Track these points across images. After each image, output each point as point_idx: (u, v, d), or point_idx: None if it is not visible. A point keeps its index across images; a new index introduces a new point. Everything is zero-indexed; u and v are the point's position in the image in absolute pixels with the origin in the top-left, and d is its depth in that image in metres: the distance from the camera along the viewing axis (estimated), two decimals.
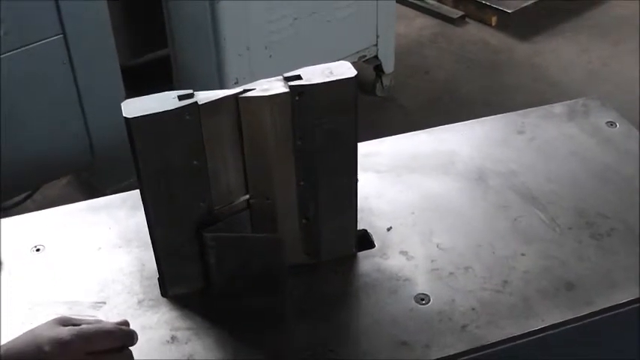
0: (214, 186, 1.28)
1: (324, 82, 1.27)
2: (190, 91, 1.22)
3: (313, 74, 1.28)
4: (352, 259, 1.44)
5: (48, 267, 1.41)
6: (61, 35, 2.74)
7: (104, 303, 1.34)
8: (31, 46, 2.68)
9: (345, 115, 1.31)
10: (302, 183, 1.35)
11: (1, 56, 2.59)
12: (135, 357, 1.22)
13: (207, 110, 1.22)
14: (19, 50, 2.64)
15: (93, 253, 1.44)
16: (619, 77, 4.15)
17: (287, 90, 1.26)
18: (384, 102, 4.01)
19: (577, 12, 5.00)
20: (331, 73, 1.28)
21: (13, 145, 2.70)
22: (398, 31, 4.24)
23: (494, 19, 4.87)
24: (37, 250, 1.45)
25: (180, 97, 1.21)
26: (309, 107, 1.27)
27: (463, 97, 3.93)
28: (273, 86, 1.27)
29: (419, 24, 4.92)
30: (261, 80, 1.29)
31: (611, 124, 1.77)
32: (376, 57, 4.00)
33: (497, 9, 4.83)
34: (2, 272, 1.40)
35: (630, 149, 1.70)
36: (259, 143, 1.30)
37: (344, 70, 1.29)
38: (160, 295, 1.36)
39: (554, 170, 1.64)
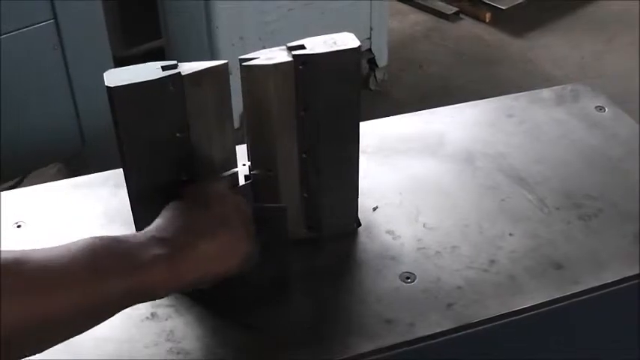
0: (199, 160, 1.26)
1: (327, 52, 1.26)
2: (174, 62, 1.21)
3: (317, 44, 1.27)
4: (342, 238, 1.42)
5: (29, 243, 1.39)
6: (53, 20, 2.73)
7: None
8: (21, 30, 2.67)
9: (349, 86, 1.30)
10: (304, 155, 1.33)
11: None
12: (114, 334, 1.22)
13: (192, 81, 1.20)
14: (9, 35, 2.63)
15: (75, 230, 1.42)
16: (611, 72, 4.16)
17: (290, 59, 1.25)
18: (377, 95, 4.00)
19: (570, 9, 5.01)
20: (335, 43, 1.27)
21: (1, 130, 2.68)
22: (392, 26, 4.24)
23: (488, 16, 4.89)
24: (19, 226, 1.43)
25: (164, 68, 1.19)
26: (313, 77, 1.26)
27: (456, 91, 3.93)
28: (276, 55, 1.26)
29: (413, 20, 4.92)
30: (264, 50, 1.27)
31: (600, 108, 1.76)
32: (370, 50, 4.00)
33: (491, 5, 4.85)
34: None
35: (619, 133, 1.68)
36: (261, 113, 1.29)
37: (347, 40, 1.28)
38: None
39: (543, 152, 1.63)
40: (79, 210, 1.47)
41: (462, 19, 4.98)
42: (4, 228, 1.42)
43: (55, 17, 2.73)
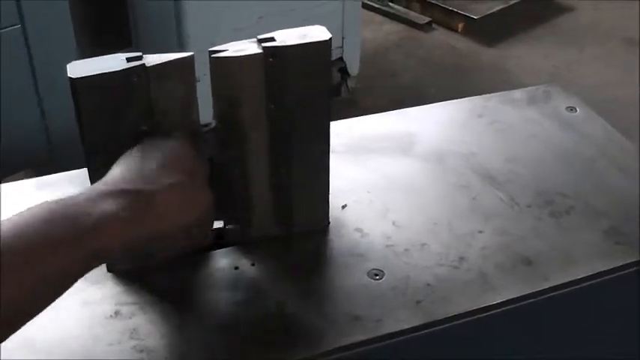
0: None
1: (298, 44, 1.24)
2: (139, 54, 1.19)
3: (287, 36, 1.26)
4: (311, 235, 1.41)
5: None
6: (19, 26, 2.69)
7: None
8: None
9: (319, 79, 1.29)
10: (274, 151, 1.32)
11: None
12: (77, 332, 1.20)
13: (157, 73, 1.18)
14: None
15: None
16: (583, 81, 4.17)
17: (260, 51, 1.23)
18: (349, 104, 4.00)
19: (543, 19, 5.04)
20: (305, 35, 1.26)
21: None
22: (365, 35, 4.24)
23: (460, 26, 4.90)
24: None
25: (129, 59, 1.17)
26: (283, 69, 1.25)
27: (429, 100, 3.91)
28: (246, 47, 1.24)
29: (386, 29, 4.92)
30: (234, 42, 1.25)
31: (572, 109, 1.76)
32: (341, 59, 3.99)
33: (464, 15, 4.85)
34: None
35: (590, 132, 1.68)
36: (231, 106, 1.27)
37: (318, 33, 1.27)
38: (105, 270, 1.31)
39: (514, 151, 1.62)
40: None
41: (434, 29, 4.99)
42: None
43: (22, 23, 2.70)
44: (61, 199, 1.00)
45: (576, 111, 1.75)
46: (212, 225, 1.21)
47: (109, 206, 1.00)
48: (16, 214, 0.96)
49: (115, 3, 3.49)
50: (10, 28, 2.66)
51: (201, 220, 1.15)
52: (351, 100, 4.04)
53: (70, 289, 1.25)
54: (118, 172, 1.08)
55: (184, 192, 1.10)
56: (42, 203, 0.98)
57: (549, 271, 1.33)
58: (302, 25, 1.29)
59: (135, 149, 1.14)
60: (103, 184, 1.05)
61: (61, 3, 2.77)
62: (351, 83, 4.12)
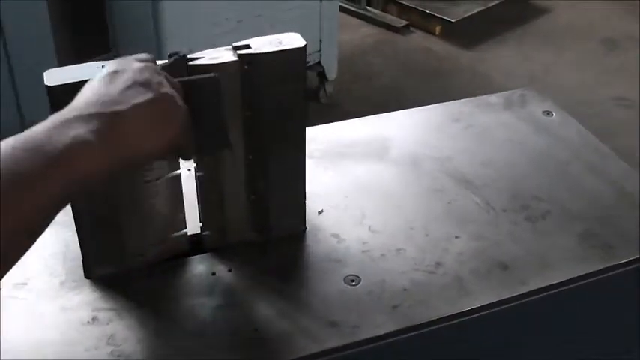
0: None
1: (273, 52, 1.25)
2: None
3: (262, 44, 1.26)
4: (288, 241, 1.41)
5: None
6: None
7: (25, 284, 1.30)
8: None
9: (294, 86, 1.29)
10: (250, 157, 1.32)
11: None
12: (54, 337, 1.19)
13: None
14: None
15: None
16: (561, 83, 4.20)
17: (236, 59, 1.23)
18: (327, 108, 4.00)
19: (520, 21, 5.07)
20: (280, 43, 1.26)
21: None
22: (342, 39, 4.25)
23: (438, 29, 4.92)
24: None
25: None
26: (258, 76, 1.25)
27: (407, 104, 3.93)
28: (221, 55, 1.24)
29: (363, 33, 4.94)
30: (209, 50, 1.26)
31: (548, 113, 1.77)
32: (319, 63, 4.00)
33: (442, 18, 4.87)
34: None
35: (566, 136, 1.69)
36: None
37: (293, 40, 1.27)
38: (83, 276, 1.31)
39: (490, 156, 1.63)
40: None
41: (412, 32, 5.01)
42: None
43: (0, 29, 2.70)
44: (23, 134, 0.91)
45: (552, 115, 1.76)
46: (190, 141, 1.11)
47: (75, 132, 0.92)
48: None
49: (94, 5, 3.49)
50: None
51: (180, 139, 1.06)
52: (329, 105, 4.05)
53: (47, 294, 1.27)
54: (82, 98, 1.00)
55: (155, 110, 1.02)
56: (2, 142, 0.89)
57: (526, 275, 1.33)
58: (280, 29, 1.30)
59: (99, 74, 1.05)
60: (67, 111, 0.96)
61: (40, 6, 2.77)
62: (329, 87, 4.13)
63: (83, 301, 1.27)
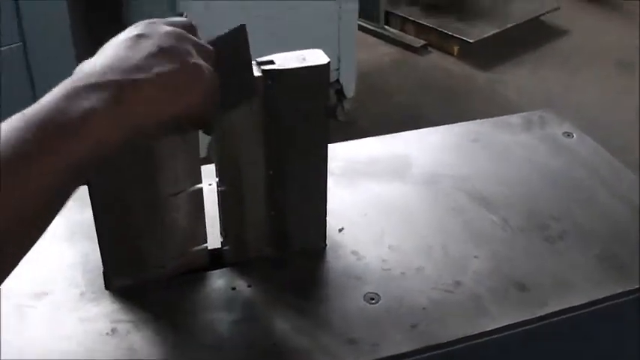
0: (161, 172, 1.25)
1: (297, 67, 1.26)
2: None
3: (286, 59, 1.27)
4: (308, 257, 1.41)
5: None
6: (21, 44, 2.71)
7: (45, 294, 1.30)
8: None
9: (317, 102, 1.30)
10: (271, 172, 1.32)
11: None
12: (72, 348, 1.19)
13: None
14: None
15: (37, 244, 1.39)
16: (578, 105, 4.19)
17: (260, 74, 1.24)
18: (344, 126, 4.01)
19: (537, 43, 5.07)
20: (304, 59, 1.27)
21: None
22: (360, 58, 4.26)
23: (456, 49, 4.92)
24: None
25: None
26: (282, 92, 1.26)
27: (424, 123, 3.93)
28: None
29: (381, 52, 4.95)
30: None
31: (568, 134, 1.77)
32: (337, 81, 4.00)
33: (460, 38, 4.87)
34: None
35: (585, 157, 1.69)
36: (229, 128, 1.27)
37: (317, 57, 1.28)
38: (103, 287, 1.32)
39: (508, 175, 1.63)
40: None
41: (430, 52, 5.01)
42: None
43: (23, 41, 2.72)
44: (35, 104, 0.85)
45: (571, 136, 1.76)
46: (213, 112, 1.04)
47: (88, 103, 0.86)
48: None
49: (115, 20, 3.51)
50: (12, 45, 2.68)
51: (199, 108, 0.99)
52: (346, 123, 4.06)
53: (67, 305, 1.27)
54: (100, 60, 0.92)
55: (177, 80, 0.95)
56: (11, 119, 0.83)
57: (544, 296, 1.33)
58: (299, 46, 1.30)
59: (123, 34, 0.98)
60: (82, 76, 0.89)
61: (62, 22, 2.78)
62: (346, 105, 4.13)
63: (102, 312, 1.28)
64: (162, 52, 0.95)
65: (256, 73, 1.24)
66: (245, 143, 1.29)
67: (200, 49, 1.00)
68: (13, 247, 0.83)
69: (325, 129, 1.33)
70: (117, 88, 0.89)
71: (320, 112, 1.31)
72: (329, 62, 1.28)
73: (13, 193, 0.79)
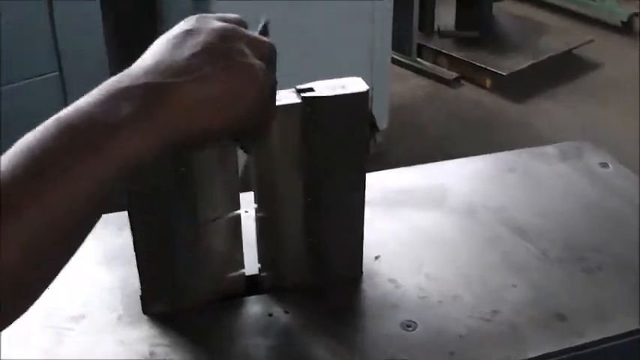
0: (201, 197, 1.26)
1: (337, 95, 1.26)
2: None
3: (326, 87, 1.27)
4: (344, 284, 1.41)
5: None
6: (57, 73, 2.74)
7: (83, 317, 1.31)
8: (27, 81, 2.67)
9: (356, 130, 1.31)
10: (309, 199, 1.33)
11: None
12: None
13: None
14: (14, 85, 2.64)
15: (74, 268, 1.40)
16: (612, 137, 4.18)
17: (299, 101, 1.25)
18: (376, 157, 4.01)
19: (570, 76, 5.06)
20: (343, 87, 1.27)
21: None
22: (393, 90, 4.27)
23: (488, 82, 4.92)
24: None
25: None
26: (320, 119, 1.26)
27: (456, 155, 3.93)
28: (284, 97, 1.26)
29: (414, 84, 4.96)
30: None
31: (604, 165, 1.76)
32: (370, 113, 3.99)
33: (492, 71, 4.87)
34: None
35: (623, 188, 1.68)
36: (268, 155, 1.28)
37: (356, 85, 1.28)
38: (140, 311, 1.33)
39: (546, 206, 1.62)
40: (80, 250, 1.45)
41: (462, 84, 5.02)
42: None
43: (60, 69, 2.74)
44: (70, 107, 0.81)
45: (608, 167, 1.76)
46: (261, 125, 0.98)
47: (123, 111, 0.79)
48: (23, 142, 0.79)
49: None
50: (49, 75, 2.71)
51: (248, 120, 0.89)
52: (378, 155, 4.06)
53: (105, 328, 1.28)
54: (141, 61, 0.86)
55: (225, 85, 0.85)
56: (49, 122, 0.79)
57: (583, 327, 1.32)
58: (333, 77, 1.31)
59: (171, 31, 0.90)
60: (120, 78, 0.83)
61: (98, 52, 2.81)
62: (379, 137, 4.14)
63: (140, 336, 1.29)
64: (210, 50, 0.86)
65: (296, 100, 1.25)
66: (284, 170, 1.30)
67: (255, 45, 0.90)
68: (47, 264, 0.80)
69: (363, 157, 1.33)
70: (151, 92, 0.81)
71: (359, 139, 1.31)
72: (368, 90, 1.28)
73: (48, 209, 0.75)
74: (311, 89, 1.27)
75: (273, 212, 1.33)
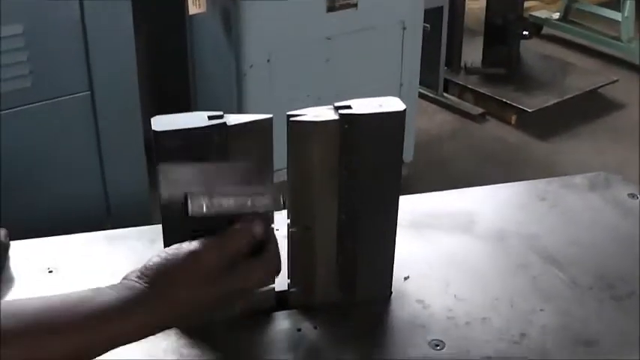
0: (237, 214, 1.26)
1: (374, 113, 1.27)
2: (221, 113, 1.22)
3: (363, 105, 1.29)
4: (374, 304, 1.41)
5: (59, 287, 1.38)
6: (89, 92, 2.76)
7: None
8: (57, 99, 2.70)
9: (392, 149, 1.32)
10: (343, 216, 1.33)
11: (28, 107, 2.60)
12: None
13: (236, 133, 1.21)
14: (45, 102, 2.66)
15: (105, 278, 1.40)
16: (634, 177, 4.16)
17: (337, 117, 1.26)
18: (401, 191, 4.01)
19: (595, 115, 5.06)
20: (380, 105, 1.29)
21: (28, 198, 2.69)
22: (418, 124, 4.28)
23: (514, 118, 4.92)
24: (50, 271, 1.43)
25: (210, 117, 1.20)
26: (357, 137, 1.28)
27: None
28: (323, 114, 1.27)
29: (439, 119, 4.97)
30: (311, 108, 1.29)
31: (633, 196, 1.76)
32: None
33: (518, 107, 4.87)
34: (14, 288, 1.38)
35: None
36: (304, 170, 1.29)
37: (393, 103, 1.30)
38: None
39: (575, 235, 1.62)
40: (112, 260, 1.47)
41: (487, 120, 5.02)
42: (36, 271, 1.43)
43: (91, 89, 2.77)
44: (92, 291, 1.10)
45: (636, 197, 1.76)
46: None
47: (107, 297, 1.07)
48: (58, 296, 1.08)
49: (179, 86, 3.59)
50: (82, 94, 2.73)
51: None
52: (403, 188, 4.06)
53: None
54: (144, 264, 1.13)
55: (225, 297, 1.14)
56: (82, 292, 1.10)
57: (611, 352, 1.32)
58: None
59: (186, 246, 1.14)
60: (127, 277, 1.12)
61: (130, 72, 2.83)
62: (403, 170, 4.14)
63: (169, 347, 1.29)
64: (178, 276, 1.11)
65: (334, 116, 1.26)
66: (319, 186, 1.31)
67: (223, 278, 1.14)
68: None
69: (399, 177, 1.34)
70: (128, 289, 1.09)
71: (395, 158, 1.32)
72: (405, 109, 1.29)
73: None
74: (349, 107, 1.28)
75: (306, 228, 1.34)
